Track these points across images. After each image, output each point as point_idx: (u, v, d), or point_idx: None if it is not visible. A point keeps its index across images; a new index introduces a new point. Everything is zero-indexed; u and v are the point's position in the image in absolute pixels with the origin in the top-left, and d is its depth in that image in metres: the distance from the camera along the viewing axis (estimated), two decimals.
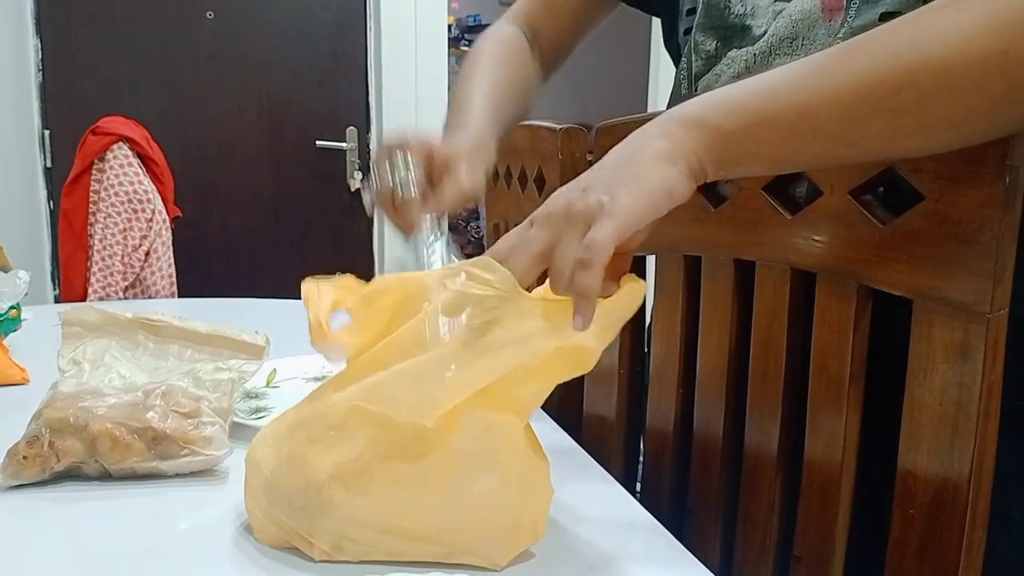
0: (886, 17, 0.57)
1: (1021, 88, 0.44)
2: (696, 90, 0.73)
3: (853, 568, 0.57)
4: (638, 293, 0.52)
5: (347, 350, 0.54)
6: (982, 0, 0.44)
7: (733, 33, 0.69)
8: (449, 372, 0.49)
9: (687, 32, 0.75)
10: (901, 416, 0.53)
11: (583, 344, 0.51)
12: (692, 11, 0.75)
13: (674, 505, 0.74)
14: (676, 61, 0.79)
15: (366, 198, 0.69)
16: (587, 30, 0.93)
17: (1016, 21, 0.43)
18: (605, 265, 0.48)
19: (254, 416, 0.79)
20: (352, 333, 0.55)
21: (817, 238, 0.57)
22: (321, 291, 0.56)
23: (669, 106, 0.84)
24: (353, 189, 2.77)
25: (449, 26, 2.95)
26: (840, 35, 0.61)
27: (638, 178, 0.49)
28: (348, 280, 0.58)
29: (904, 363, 0.52)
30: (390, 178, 0.66)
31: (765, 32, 0.66)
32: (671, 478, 0.74)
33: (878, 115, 0.46)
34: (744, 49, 0.68)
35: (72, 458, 0.64)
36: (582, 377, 0.84)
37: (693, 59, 0.73)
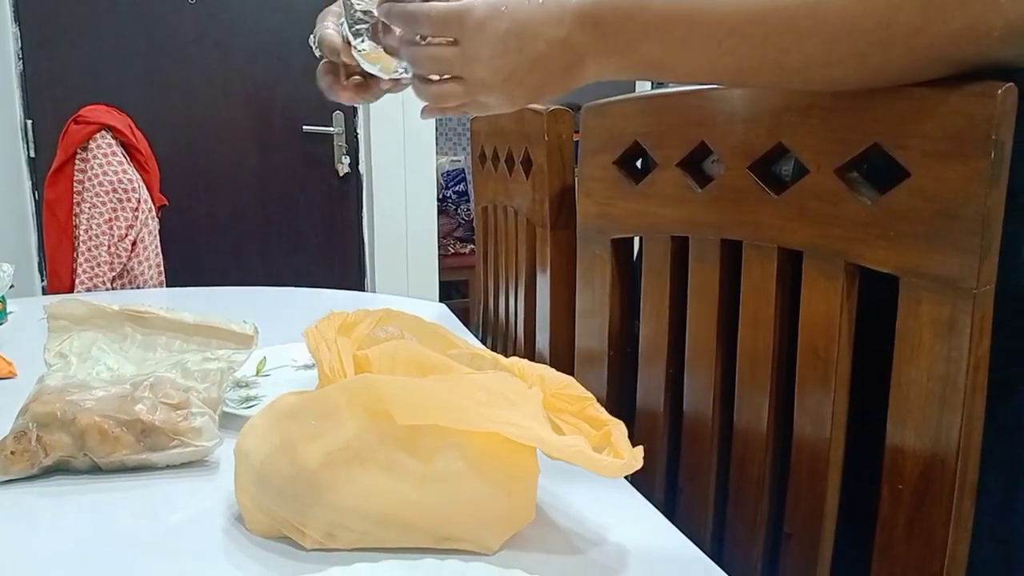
0: None
1: (903, 60, 0.46)
2: None
3: (843, 545, 0.58)
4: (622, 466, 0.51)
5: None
6: None
7: None
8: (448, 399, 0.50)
9: None
10: (888, 394, 0.53)
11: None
12: None
13: (665, 485, 0.74)
14: None
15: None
16: None
17: None
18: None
19: (244, 405, 0.79)
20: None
21: (803, 217, 0.57)
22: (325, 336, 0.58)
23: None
24: (342, 174, 2.75)
25: None
26: None
27: (547, 88, 0.59)
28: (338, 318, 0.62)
29: (891, 343, 0.52)
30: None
31: None
32: (662, 458, 0.74)
33: (767, 66, 0.50)
34: None
35: (60, 452, 0.63)
36: (572, 359, 0.84)
37: None
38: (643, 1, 0.54)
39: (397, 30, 0.64)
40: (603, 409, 0.56)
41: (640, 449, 0.51)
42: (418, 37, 0.62)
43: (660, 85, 0.81)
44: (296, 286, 1.48)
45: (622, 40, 0.55)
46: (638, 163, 0.75)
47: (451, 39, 0.60)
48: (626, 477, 0.65)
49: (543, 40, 0.57)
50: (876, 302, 0.54)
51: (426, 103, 0.66)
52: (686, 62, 0.53)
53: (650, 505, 0.62)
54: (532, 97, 0.61)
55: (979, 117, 0.46)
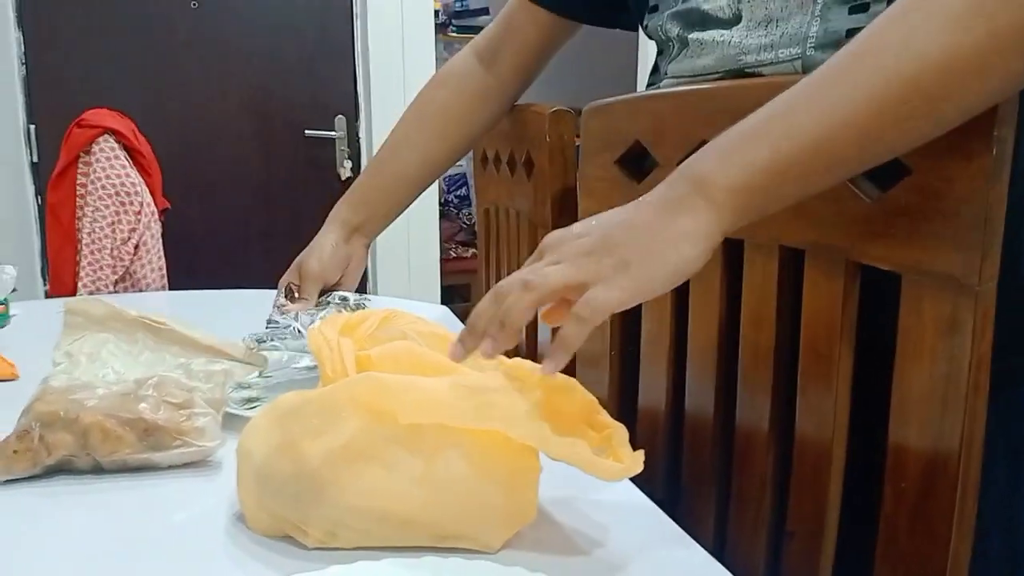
0: None
1: (1016, 58, 0.44)
2: (666, 72, 0.75)
3: (846, 543, 0.58)
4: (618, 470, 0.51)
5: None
6: None
7: (694, 18, 0.69)
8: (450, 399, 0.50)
9: (652, 21, 0.75)
10: (891, 392, 0.53)
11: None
12: (655, 8, 0.75)
13: (667, 484, 0.74)
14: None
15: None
16: (549, 49, 0.99)
17: None
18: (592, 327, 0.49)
19: (247, 406, 0.79)
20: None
21: (804, 215, 0.57)
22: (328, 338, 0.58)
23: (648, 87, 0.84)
24: (343, 178, 2.76)
25: (436, 11, 2.93)
26: (816, 12, 0.60)
27: (655, 256, 0.49)
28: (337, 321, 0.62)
29: (893, 341, 0.52)
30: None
31: (731, 16, 0.66)
32: (664, 458, 0.74)
33: (892, 128, 0.47)
34: (708, 32, 0.68)
35: (63, 451, 0.63)
36: (574, 360, 0.84)
37: (668, 45, 0.74)
38: (724, 132, 0.50)
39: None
40: (605, 412, 0.56)
41: (640, 453, 0.51)
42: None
43: (649, 84, 0.81)
44: None
45: (719, 163, 0.49)
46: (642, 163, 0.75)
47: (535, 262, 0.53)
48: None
49: (623, 210, 0.51)
50: (878, 299, 0.54)
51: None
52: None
53: (652, 503, 0.61)
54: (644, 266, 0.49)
55: (981, 114, 0.46)
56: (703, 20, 0.68)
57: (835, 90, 0.47)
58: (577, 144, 0.92)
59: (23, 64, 2.47)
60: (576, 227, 0.52)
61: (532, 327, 1.13)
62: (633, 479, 0.64)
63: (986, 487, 0.50)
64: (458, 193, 3.83)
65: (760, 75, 0.65)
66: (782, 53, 0.63)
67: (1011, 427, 0.58)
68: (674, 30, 0.71)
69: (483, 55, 1.02)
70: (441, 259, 2.84)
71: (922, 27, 0.45)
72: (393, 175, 1.07)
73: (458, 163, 3.95)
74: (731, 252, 0.64)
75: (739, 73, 0.66)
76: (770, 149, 0.48)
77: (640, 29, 0.82)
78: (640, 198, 0.52)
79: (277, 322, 0.88)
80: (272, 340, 0.84)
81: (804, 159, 0.48)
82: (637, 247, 0.49)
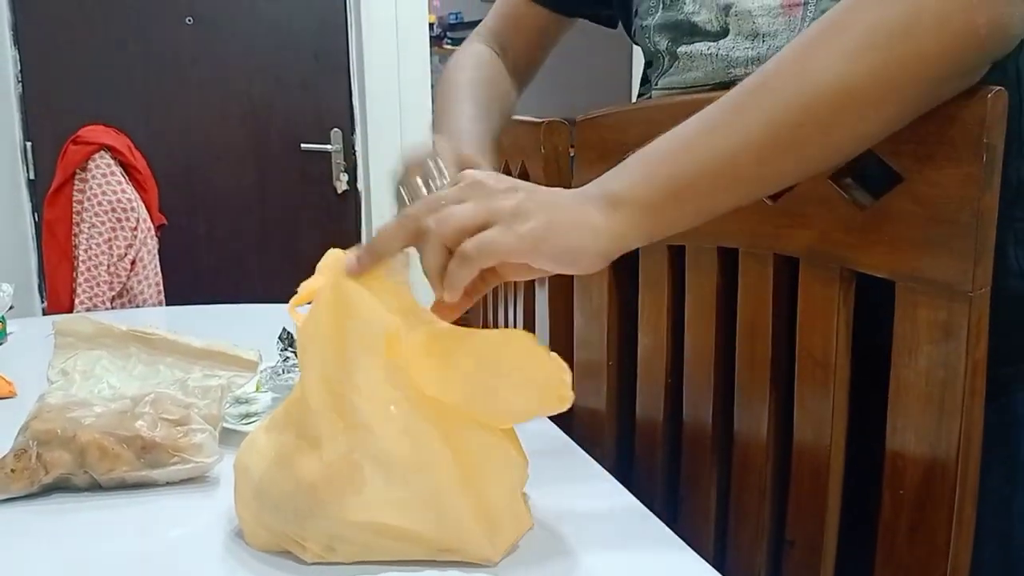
0: None
1: (911, 90, 0.46)
2: (656, 84, 0.75)
3: (846, 551, 0.58)
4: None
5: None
6: (859, 15, 0.46)
7: (683, 31, 0.70)
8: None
9: (639, 31, 0.75)
10: (887, 399, 0.53)
11: None
12: (635, 13, 0.76)
13: (666, 495, 0.74)
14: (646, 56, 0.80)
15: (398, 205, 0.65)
16: (552, 43, 0.96)
17: (895, 31, 0.45)
18: (478, 269, 0.50)
19: (244, 421, 0.79)
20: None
21: (799, 223, 0.57)
22: (323, 270, 0.56)
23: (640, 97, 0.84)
24: (340, 191, 2.76)
25: (431, 25, 2.94)
26: (804, 27, 0.61)
27: (560, 229, 0.50)
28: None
29: (889, 348, 0.52)
30: (424, 191, 0.63)
31: (718, 29, 0.66)
32: (662, 468, 0.74)
33: (787, 152, 0.49)
34: (696, 45, 0.68)
35: (61, 469, 0.63)
36: (571, 369, 0.84)
37: (657, 58, 0.74)
38: (639, 151, 0.52)
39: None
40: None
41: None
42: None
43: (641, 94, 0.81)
44: None
45: (627, 178, 0.52)
46: None
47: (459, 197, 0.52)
48: (626, 486, 0.65)
49: (554, 189, 0.53)
50: (873, 305, 0.54)
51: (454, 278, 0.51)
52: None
53: (650, 513, 0.61)
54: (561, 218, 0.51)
55: (970, 121, 0.46)
56: (691, 31, 0.69)
57: (737, 115, 0.50)
58: (572, 154, 0.92)
59: (19, 82, 2.48)
60: (506, 179, 0.53)
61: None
62: (632, 489, 0.64)
63: (982, 497, 0.50)
64: None
65: None
66: None
67: (1005, 437, 0.59)
68: (663, 43, 0.72)
69: (495, 50, 0.99)
70: None
71: (818, 57, 0.47)
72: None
73: None
74: (726, 261, 0.64)
75: (729, 86, 0.67)
76: (671, 167, 0.51)
77: (628, 37, 0.83)
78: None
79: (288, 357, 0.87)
80: (287, 373, 0.86)
81: (703, 180, 0.50)
82: (545, 215, 0.50)
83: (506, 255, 0.50)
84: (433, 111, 0.83)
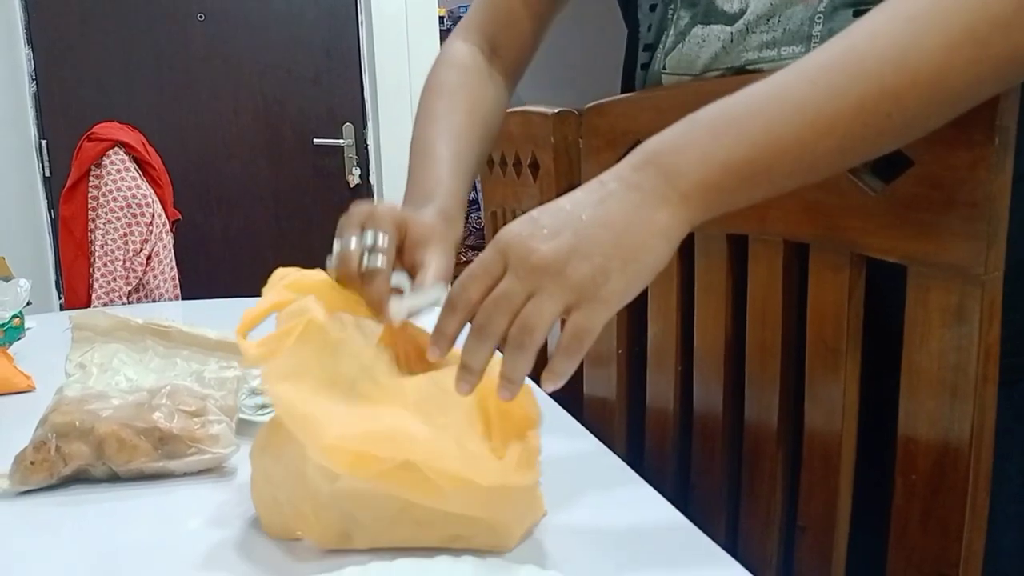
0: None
1: (992, 88, 0.45)
2: (664, 68, 0.73)
3: (858, 536, 0.58)
4: None
5: (254, 359, 0.53)
6: (963, 2, 0.43)
7: (704, 9, 0.69)
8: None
9: (652, 9, 0.74)
10: (899, 384, 0.53)
11: None
12: None
13: (678, 482, 0.74)
14: (632, 32, 0.78)
15: (328, 266, 0.62)
16: (545, 30, 0.89)
17: (997, 24, 0.43)
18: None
19: (260, 412, 0.80)
20: (262, 346, 0.53)
21: (809, 209, 0.57)
22: (275, 286, 0.56)
23: (624, 77, 0.81)
24: (352, 185, 2.77)
25: (441, 18, 2.94)
26: (820, 8, 0.60)
27: (635, 260, 0.46)
28: (313, 278, 0.58)
29: (900, 333, 0.52)
30: (355, 246, 0.60)
31: (740, 9, 0.66)
32: (673, 455, 0.74)
33: (867, 141, 0.47)
34: (711, 27, 0.67)
35: (79, 461, 0.64)
36: (582, 361, 0.84)
37: (667, 33, 0.73)
38: (696, 115, 0.48)
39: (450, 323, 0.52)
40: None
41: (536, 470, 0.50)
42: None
43: (625, 74, 0.76)
44: None
45: (695, 157, 0.47)
46: None
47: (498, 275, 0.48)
48: (638, 473, 0.65)
49: (588, 199, 0.48)
50: (886, 290, 0.53)
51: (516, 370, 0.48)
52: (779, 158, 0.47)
53: (663, 499, 0.62)
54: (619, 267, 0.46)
55: (983, 103, 0.46)
56: (707, 12, 0.68)
57: (828, 98, 0.46)
58: (581, 144, 0.92)
59: (33, 80, 2.50)
60: (543, 219, 0.48)
61: None
62: (643, 476, 0.64)
63: (1000, 483, 0.50)
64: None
65: (762, 72, 0.65)
66: (784, 51, 0.63)
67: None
68: (684, 19, 0.71)
69: (483, 48, 0.95)
70: None
71: (923, 44, 0.44)
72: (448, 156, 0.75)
73: None
74: (735, 248, 0.64)
75: (741, 70, 0.66)
76: (748, 149, 0.46)
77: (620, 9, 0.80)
78: (601, 180, 0.48)
79: None
80: None
81: (785, 162, 0.46)
82: (615, 250, 0.46)
83: (603, 323, 0.46)
84: (412, 138, 0.75)
